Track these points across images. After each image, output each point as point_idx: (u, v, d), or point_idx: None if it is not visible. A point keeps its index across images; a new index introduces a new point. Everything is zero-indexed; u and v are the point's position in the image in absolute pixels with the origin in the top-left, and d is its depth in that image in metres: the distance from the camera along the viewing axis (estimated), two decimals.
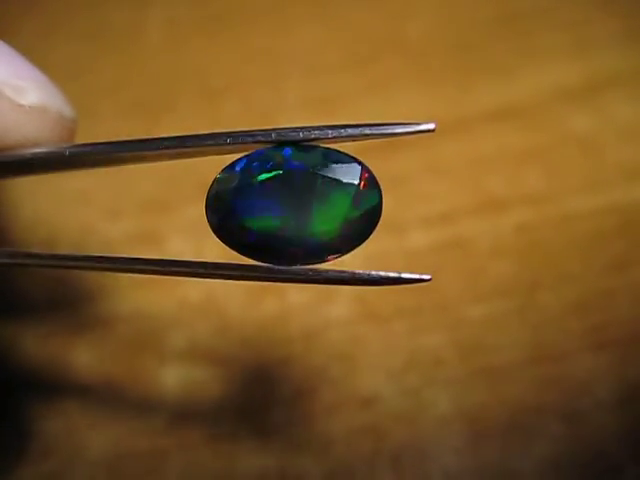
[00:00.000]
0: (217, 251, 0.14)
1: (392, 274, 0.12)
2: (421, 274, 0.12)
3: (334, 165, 0.12)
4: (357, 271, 0.12)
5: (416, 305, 0.22)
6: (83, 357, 0.22)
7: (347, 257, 0.13)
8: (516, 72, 0.27)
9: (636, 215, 0.23)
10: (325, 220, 0.12)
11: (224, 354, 0.22)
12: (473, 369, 0.21)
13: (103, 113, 0.27)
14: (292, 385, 0.21)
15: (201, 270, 0.13)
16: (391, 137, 0.12)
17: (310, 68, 0.28)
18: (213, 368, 0.21)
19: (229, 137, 0.12)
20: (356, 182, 0.12)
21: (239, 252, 0.13)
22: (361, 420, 0.20)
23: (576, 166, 0.24)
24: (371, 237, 0.14)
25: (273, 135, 0.12)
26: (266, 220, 0.12)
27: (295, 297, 0.22)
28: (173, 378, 0.21)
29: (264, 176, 0.12)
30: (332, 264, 0.13)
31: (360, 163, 0.13)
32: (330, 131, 0.12)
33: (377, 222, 0.13)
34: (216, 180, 0.13)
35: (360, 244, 0.13)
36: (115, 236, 0.24)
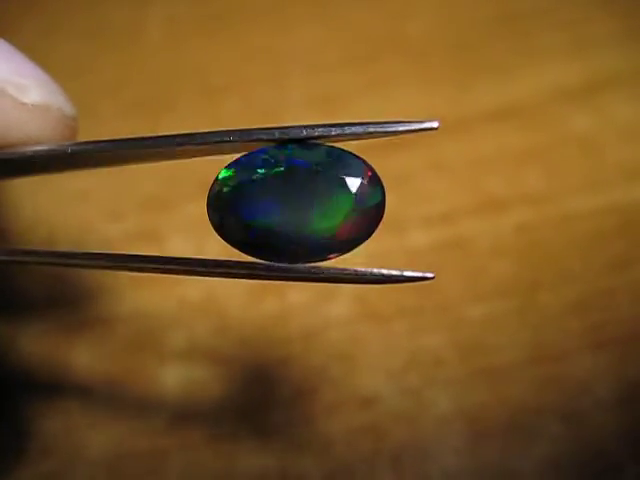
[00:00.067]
0: (218, 250, 0.14)
1: (395, 272, 0.12)
2: (424, 272, 0.12)
3: (337, 163, 0.12)
4: (359, 269, 0.12)
5: (416, 305, 0.22)
6: (83, 356, 0.22)
7: (348, 256, 0.13)
8: (516, 72, 0.27)
9: (636, 215, 0.23)
10: (327, 218, 0.12)
11: (224, 354, 0.21)
12: (473, 369, 0.21)
13: (103, 112, 0.27)
14: (292, 385, 0.21)
15: (201, 268, 0.13)
16: (395, 135, 0.12)
17: (310, 67, 0.28)
18: (213, 368, 0.21)
19: (232, 135, 0.12)
20: (359, 180, 0.12)
21: (240, 250, 0.13)
22: (361, 420, 0.20)
23: (576, 166, 0.24)
24: (372, 236, 0.14)
25: (276, 133, 0.12)
26: (267, 217, 0.12)
27: (295, 297, 0.22)
28: (173, 378, 0.21)
29: (266, 173, 0.12)
30: (333, 262, 0.12)
31: (363, 161, 0.13)
32: (333, 129, 0.12)
33: (380, 220, 0.13)
34: (218, 178, 0.13)
35: (362, 242, 0.13)
36: (115, 235, 0.24)
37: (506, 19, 0.28)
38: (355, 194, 0.12)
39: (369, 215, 0.12)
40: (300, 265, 0.12)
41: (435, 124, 0.12)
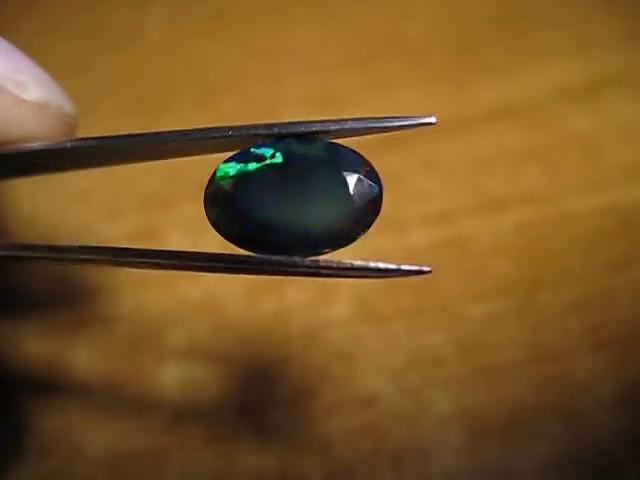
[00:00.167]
0: (216, 248, 0.13)
1: (391, 265, 0.12)
2: (421, 266, 0.12)
3: (335, 157, 0.12)
4: (356, 262, 0.12)
5: (416, 305, 0.22)
6: (82, 355, 0.22)
7: (347, 254, 0.13)
8: (516, 72, 0.27)
9: (636, 215, 0.23)
10: (324, 211, 0.12)
11: (224, 353, 0.21)
12: (473, 368, 0.21)
13: (103, 111, 0.27)
14: (292, 385, 0.21)
15: (193, 262, 0.13)
16: (393, 130, 0.12)
17: (310, 67, 0.28)
18: (213, 367, 0.21)
19: (231, 129, 0.13)
20: (357, 174, 0.12)
21: (237, 244, 0.13)
22: (361, 420, 0.20)
23: (576, 166, 0.24)
24: (371, 235, 0.14)
25: (275, 128, 0.12)
26: (264, 211, 0.12)
27: (294, 296, 0.22)
28: (173, 377, 0.21)
29: (263, 166, 0.12)
30: (329, 257, 0.12)
31: (361, 156, 0.13)
32: (332, 124, 0.12)
33: (377, 215, 0.13)
34: (215, 172, 0.13)
35: (359, 237, 0.13)
36: (114, 234, 0.24)
37: (506, 19, 0.28)
38: (353, 188, 0.12)
39: (366, 209, 0.12)
40: (297, 258, 0.12)
41: (433, 119, 0.12)
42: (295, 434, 0.20)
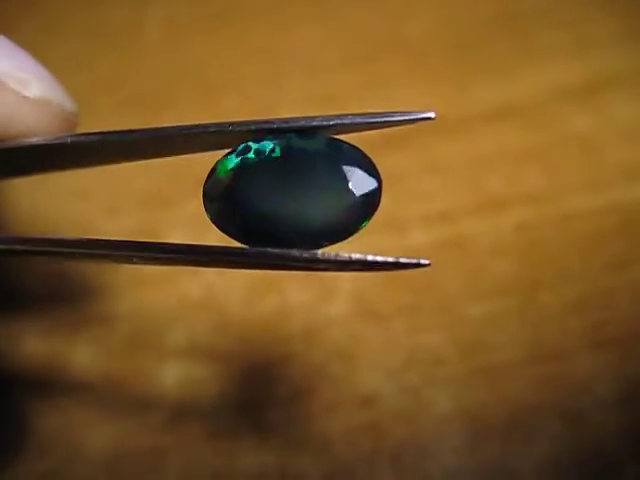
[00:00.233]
0: None
1: (390, 258, 0.12)
2: (419, 258, 0.12)
3: (334, 152, 0.13)
4: (354, 255, 0.12)
5: (416, 304, 0.22)
6: (82, 354, 0.22)
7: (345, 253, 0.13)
8: (516, 71, 0.27)
9: (636, 215, 0.23)
10: (323, 205, 0.12)
11: (224, 351, 0.21)
12: (473, 368, 0.21)
13: (102, 111, 0.27)
14: (292, 383, 0.21)
15: (190, 255, 0.13)
16: (393, 126, 0.13)
17: (310, 67, 0.28)
18: (213, 366, 0.21)
19: (231, 124, 0.13)
20: (356, 168, 0.12)
21: (236, 239, 0.13)
22: (361, 418, 0.20)
23: (576, 165, 0.24)
24: (371, 235, 0.14)
25: (275, 123, 0.13)
26: (263, 204, 0.12)
27: (295, 295, 0.22)
28: (173, 375, 0.21)
29: (263, 160, 0.12)
30: (328, 250, 0.12)
31: (360, 151, 0.13)
32: (332, 119, 0.12)
33: (375, 209, 0.13)
34: (214, 167, 0.13)
35: (357, 231, 0.13)
36: (114, 233, 0.24)
37: (506, 19, 0.28)
38: (352, 182, 0.12)
39: (366, 203, 0.13)
40: (295, 251, 0.12)
41: (432, 114, 0.12)
42: (295, 433, 0.20)
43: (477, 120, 0.26)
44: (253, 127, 0.13)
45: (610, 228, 0.23)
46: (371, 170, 0.13)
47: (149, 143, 0.14)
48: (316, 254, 0.12)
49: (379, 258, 0.12)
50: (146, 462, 0.20)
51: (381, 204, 0.13)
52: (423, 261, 0.12)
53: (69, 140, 0.14)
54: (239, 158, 0.13)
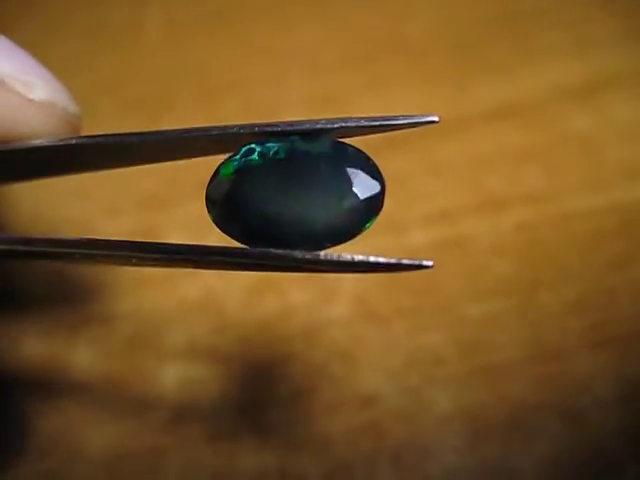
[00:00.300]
0: None
1: (392, 260, 0.12)
2: (421, 260, 0.12)
3: (338, 154, 0.13)
4: (357, 256, 0.12)
5: (416, 304, 0.22)
6: (82, 354, 0.22)
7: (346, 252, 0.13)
8: (516, 71, 0.27)
9: (636, 214, 0.23)
10: (326, 207, 0.12)
11: (224, 352, 0.21)
12: (473, 368, 0.21)
13: (102, 111, 0.27)
14: (292, 384, 0.21)
15: (190, 256, 0.13)
16: (397, 129, 0.13)
17: (310, 67, 0.28)
18: (213, 366, 0.21)
19: (237, 127, 0.13)
20: (359, 170, 0.12)
21: (238, 240, 0.13)
22: (361, 419, 0.20)
23: (576, 165, 0.24)
24: (371, 235, 0.14)
25: (280, 126, 0.13)
26: (266, 205, 0.12)
27: (295, 296, 0.22)
28: (173, 376, 0.21)
29: (266, 161, 0.12)
30: (330, 252, 0.12)
31: (364, 154, 0.13)
32: (335, 122, 0.13)
33: (378, 211, 0.13)
34: (218, 169, 0.13)
35: (360, 232, 0.13)
36: (114, 233, 0.24)
37: (506, 19, 0.28)
38: (356, 184, 0.12)
39: (368, 206, 0.13)
40: (297, 252, 0.12)
41: (435, 118, 0.12)
42: (295, 433, 0.20)
43: (477, 120, 0.26)
44: (257, 130, 0.13)
45: (610, 228, 0.23)
46: (375, 173, 0.13)
47: (152, 147, 0.14)
48: (318, 255, 0.12)
49: (382, 259, 0.12)
50: (146, 462, 0.20)
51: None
52: (426, 262, 0.12)
53: (74, 141, 0.14)
54: (242, 160, 0.13)
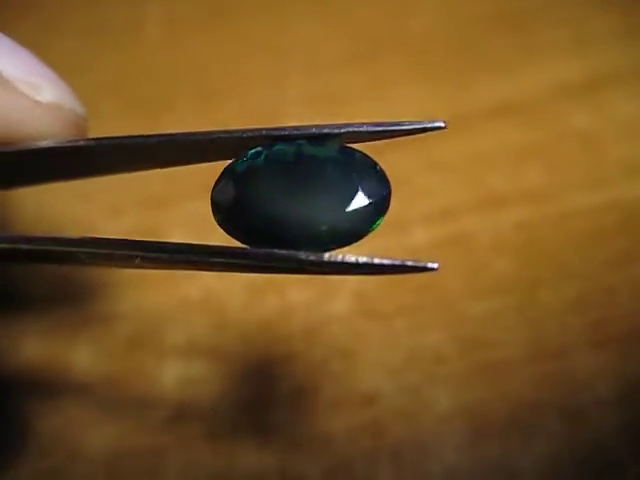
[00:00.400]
0: None
1: (397, 262, 0.12)
2: (426, 262, 0.12)
3: (345, 158, 0.13)
4: (361, 258, 0.12)
5: (416, 302, 0.22)
6: (82, 354, 0.22)
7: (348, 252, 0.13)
8: (516, 69, 0.27)
9: (636, 212, 0.23)
10: (332, 210, 0.12)
11: (224, 351, 0.21)
12: (473, 366, 0.21)
13: (102, 111, 0.27)
14: (292, 383, 0.21)
15: (192, 256, 0.13)
16: (402, 135, 0.13)
17: (311, 65, 0.28)
18: (213, 365, 0.21)
19: (244, 131, 0.13)
20: (365, 174, 0.13)
21: (243, 241, 0.13)
22: (361, 417, 0.20)
23: (576, 163, 0.24)
24: (373, 234, 0.14)
25: (286, 130, 0.13)
26: (272, 206, 0.12)
27: (295, 294, 0.22)
28: (173, 375, 0.21)
29: (272, 164, 0.12)
30: (335, 253, 0.12)
31: (370, 158, 0.13)
32: (342, 127, 0.13)
33: (384, 214, 0.13)
34: (223, 170, 0.13)
35: (365, 235, 0.13)
36: (115, 233, 0.24)
37: (506, 16, 0.28)
38: (362, 189, 0.12)
39: (374, 210, 0.13)
40: (301, 253, 0.12)
41: (442, 124, 0.13)
42: (295, 432, 0.20)
43: (477, 118, 0.26)
44: (264, 133, 0.13)
45: (610, 225, 0.23)
46: (381, 177, 0.13)
47: (159, 151, 0.14)
48: (322, 256, 0.12)
49: (386, 261, 0.12)
50: (146, 462, 0.20)
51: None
52: (431, 265, 0.12)
53: (82, 143, 0.14)
54: (248, 162, 0.13)
